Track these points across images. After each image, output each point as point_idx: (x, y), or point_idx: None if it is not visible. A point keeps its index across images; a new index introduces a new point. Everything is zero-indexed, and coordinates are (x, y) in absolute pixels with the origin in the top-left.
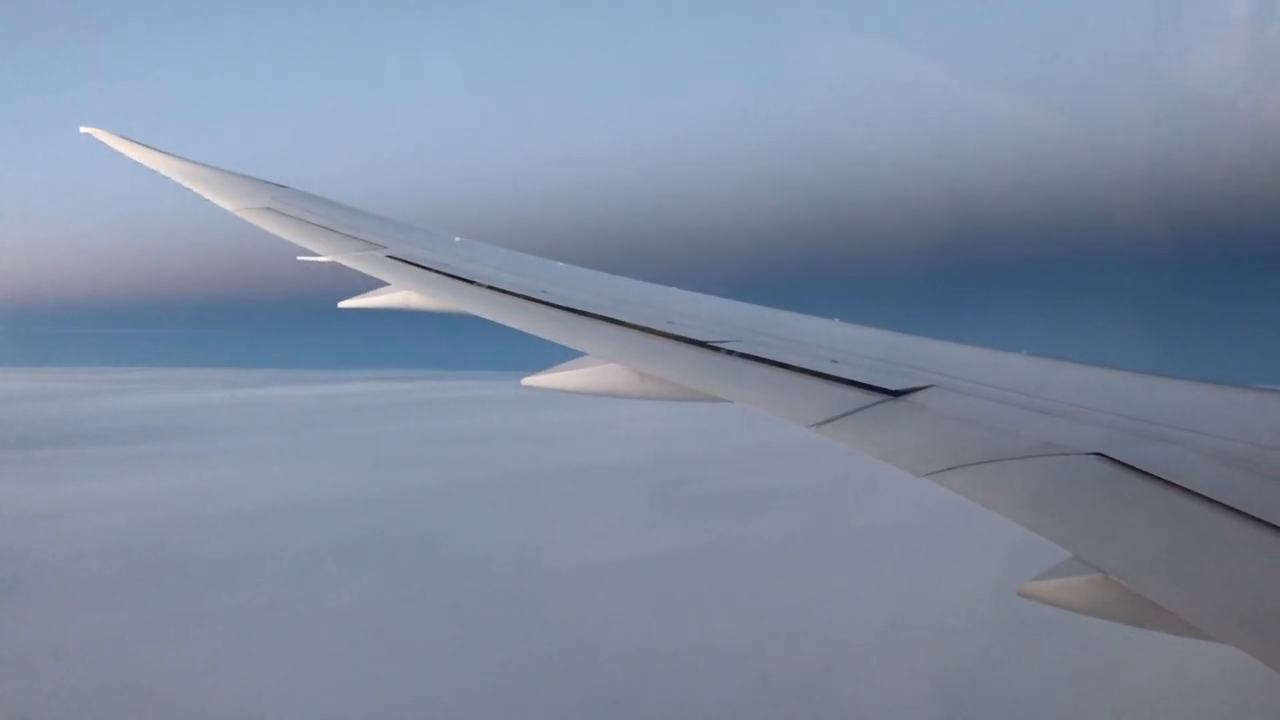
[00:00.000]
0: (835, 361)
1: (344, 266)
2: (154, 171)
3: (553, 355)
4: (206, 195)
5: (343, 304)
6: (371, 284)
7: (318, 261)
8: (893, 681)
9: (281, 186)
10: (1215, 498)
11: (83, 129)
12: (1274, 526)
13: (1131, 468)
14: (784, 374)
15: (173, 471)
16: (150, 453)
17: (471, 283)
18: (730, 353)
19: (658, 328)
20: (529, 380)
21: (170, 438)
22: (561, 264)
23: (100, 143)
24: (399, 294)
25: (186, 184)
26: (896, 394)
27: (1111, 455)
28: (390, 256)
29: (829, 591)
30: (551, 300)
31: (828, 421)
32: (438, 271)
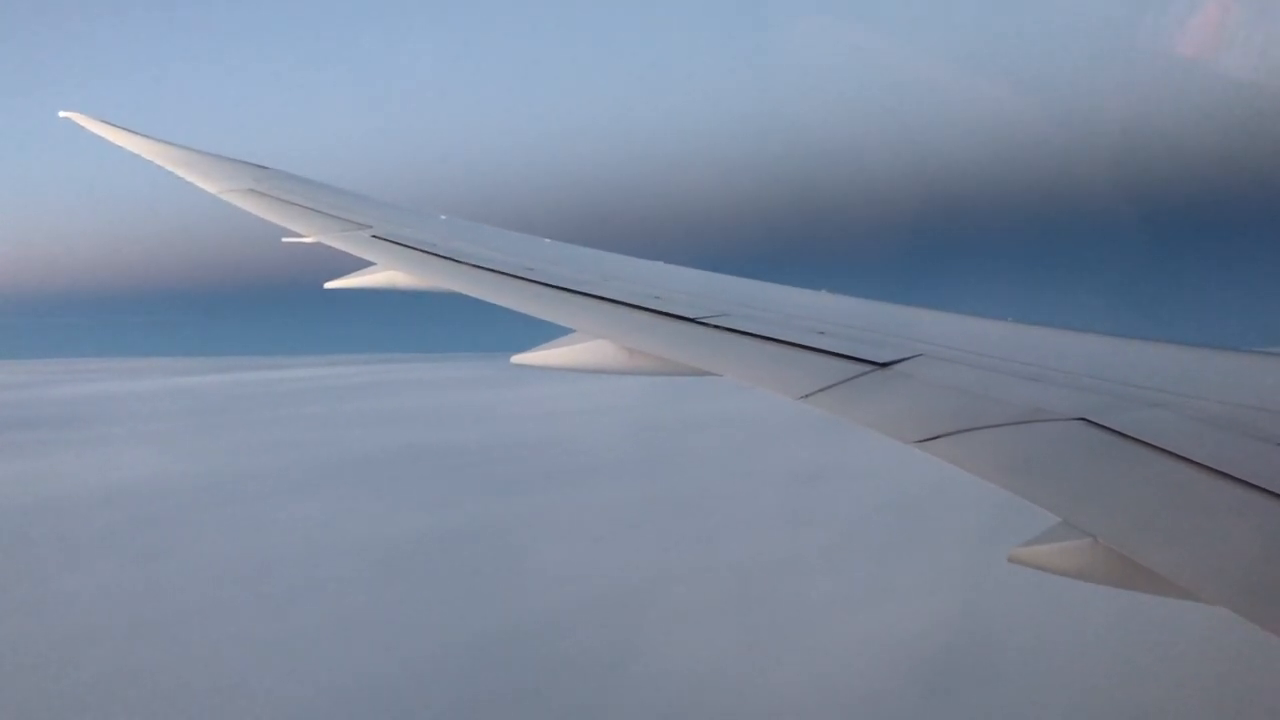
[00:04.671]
0: (823, 333)
1: (329, 247)
2: (135, 155)
3: (541, 333)
4: (188, 178)
5: (328, 284)
6: (357, 264)
7: (302, 243)
8: (888, 647)
9: (264, 168)
10: (1201, 461)
11: (62, 113)
12: (1260, 488)
13: (1118, 432)
14: (772, 346)
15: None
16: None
17: (458, 261)
18: (718, 327)
19: (645, 304)
20: (518, 358)
21: (55, 428)
22: (548, 240)
23: (80, 127)
24: (385, 274)
25: (168, 167)
26: (884, 364)
27: (1098, 420)
28: (375, 236)
29: (819, 560)
30: (538, 278)
31: (816, 392)
32: (423, 250)
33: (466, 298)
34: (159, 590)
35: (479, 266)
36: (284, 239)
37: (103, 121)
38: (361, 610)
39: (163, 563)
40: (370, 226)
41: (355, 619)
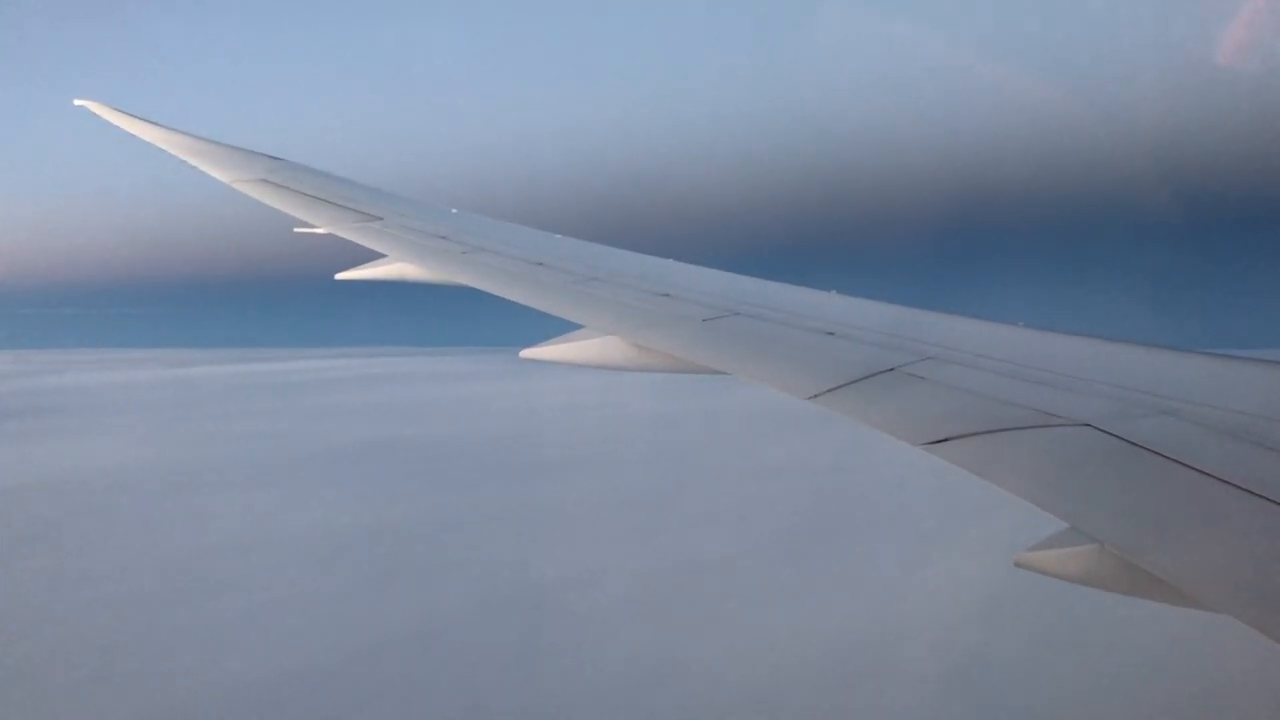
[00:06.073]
0: (832, 334)
1: (341, 238)
2: (148, 144)
3: (551, 328)
4: (201, 167)
5: (339, 275)
6: (368, 255)
7: (314, 233)
8: (889, 648)
9: (277, 159)
10: (1208, 469)
11: (76, 101)
12: (1266, 498)
13: (1127, 439)
14: (781, 346)
15: None
16: None
17: (468, 255)
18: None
19: (655, 301)
20: (527, 352)
21: (44, 417)
22: (559, 236)
23: (94, 115)
24: (396, 266)
25: (181, 156)
26: (893, 366)
27: (1107, 427)
28: (387, 228)
29: (821, 560)
30: (549, 273)
31: (825, 393)
32: (435, 244)
33: (477, 291)
34: (113, 579)
35: (490, 261)
36: (296, 229)
37: (117, 110)
38: (355, 603)
39: (132, 552)
40: (382, 219)
41: (346, 611)
